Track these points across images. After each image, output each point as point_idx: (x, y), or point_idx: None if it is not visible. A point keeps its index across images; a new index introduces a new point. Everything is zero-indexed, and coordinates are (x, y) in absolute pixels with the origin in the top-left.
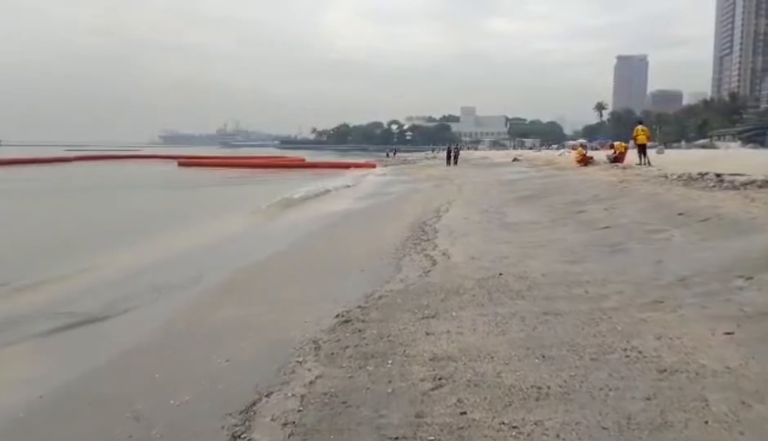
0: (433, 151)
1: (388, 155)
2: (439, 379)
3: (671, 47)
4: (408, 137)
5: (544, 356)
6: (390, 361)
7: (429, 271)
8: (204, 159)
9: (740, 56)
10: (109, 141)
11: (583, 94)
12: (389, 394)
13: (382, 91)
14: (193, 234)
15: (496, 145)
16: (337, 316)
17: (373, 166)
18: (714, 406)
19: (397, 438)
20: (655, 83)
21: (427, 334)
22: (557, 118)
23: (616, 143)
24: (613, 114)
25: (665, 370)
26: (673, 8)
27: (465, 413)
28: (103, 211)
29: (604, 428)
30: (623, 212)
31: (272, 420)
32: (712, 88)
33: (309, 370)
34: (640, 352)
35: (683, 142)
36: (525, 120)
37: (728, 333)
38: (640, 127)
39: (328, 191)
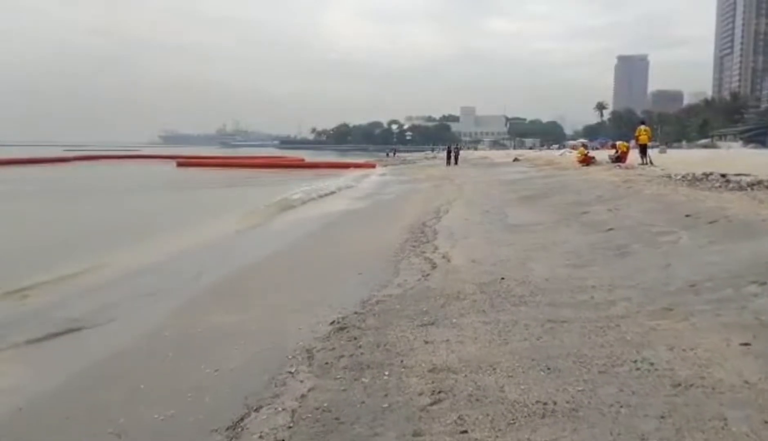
0: (432, 151)
1: (387, 155)
2: (439, 392)
3: (671, 47)
4: (408, 137)
5: (549, 368)
6: (387, 373)
7: (428, 275)
8: (203, 159)
9: (741, 56)
10: (108, 141)
11: (583, 94)
12: (385, 409)
13: (382, 91)
14: (187, 236)
15: (496, 145)
16: (332, 322)
17: (373, 166)
18: (734, 426)
19: None
20: (655, 83)
21: (426, 342)
22: (557, 118)
23: (618, 143)
24: (613, 114)
25: (679, 385)
26: (673, 8)
27: (466, 432)
28: (97, 213)
29: None
30: (628, 213)
31: (260, 438)
32: (713, 88)
33: (301, 381)
34: (651, 365)
35: (684, 142)
36: (525, 120)
37: (744, 344)
38: (642, 127)
39: (326, 192)
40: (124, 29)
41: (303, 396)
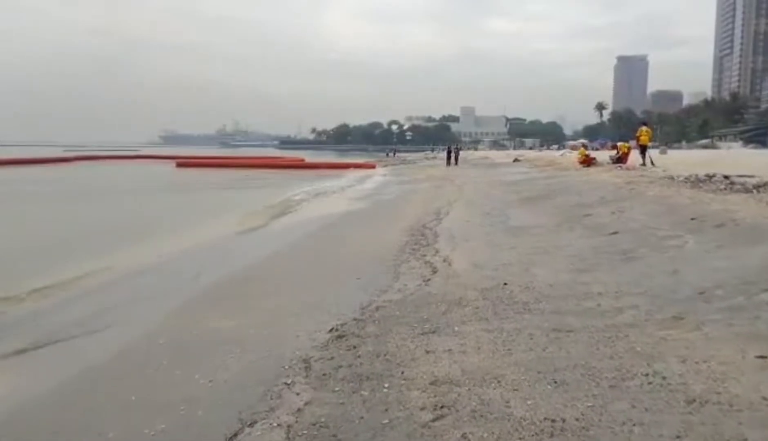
0: (432, 151)
1: (387, 155)
2: (441, 407)
3: (671, 47)
4: (408, 137)
5: (556, 382)
6: (387, 385)
7: (429, 280)
8: (202, 159)
9: (740, 56)
10: (108, 141)
11: (583, 94)
12: (385, 425)
13: (382, 91)
14: (186, 237)
15: (496, 145)
16: (331, 330)
17: (373, 167)
18: None
19: None
20: (655, 83)
21: (427, 352)
22: (557, 118)
23: (619, 143)
24: (613, 114)
25: (694, 401)
26: (673, 8)
27: None
28: (96, 214)
29: None
30: (632, 216)
31: None
32: (713, 88)
33: (298, 394)
34: (663, 378)
35: (684, 143)
36: (525, 120)
37: (761, 356)
38: (644, 128)
39: (326, 192)
40: (124, 29)
41: (299, 410)
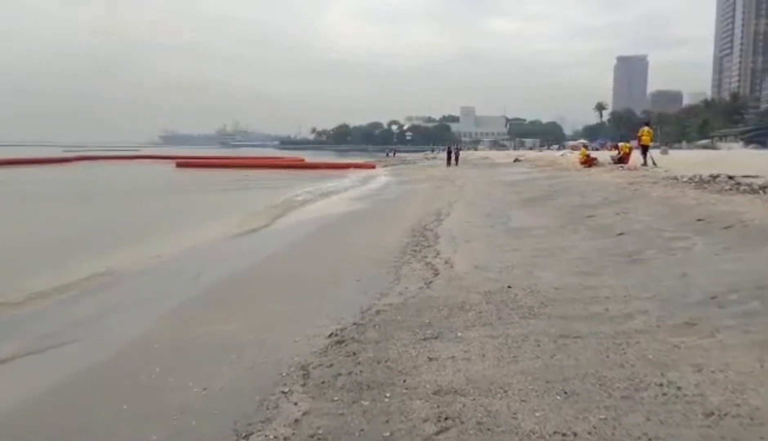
0: (432, 151)
1: (387, 155)
2: (445, 419)
3: (671, 47)
4: (408, 137)
5: (566, 392)
6: (388, 394)
7: (431, 283)
8: (202, 159)
9: (740, 56)
10: (108, 141)
11: (583, 94)
12: (386, 438)
13: (382, 91)
14: (186, 238)
15: (496, 145)
16: (330, 335)
17: (373, 167)
18: None
19: None
20: (655, 83)
21: (430, 359)
22: (557, 119)
23: (620, 144)
24: (613, 114)
25: (712, 414)
26: (673, 8)
27: None
28: (93, 216)
29: None
30: (637, 217)
31: None
32: (712, 88)
33: (295, 403)
34: (678, 389)
35: (684, 143)
36: (525, 120)
37: None
38: (645, 128)
39: (325, 193)
40: (124, 29)
41: (297, 421)
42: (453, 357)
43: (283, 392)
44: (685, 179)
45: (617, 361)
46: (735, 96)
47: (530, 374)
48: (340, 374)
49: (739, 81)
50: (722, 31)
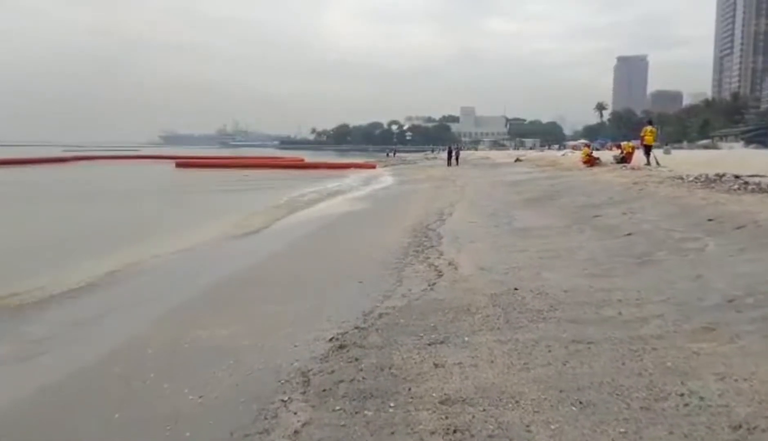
0: (432, 151)
1: (387, 155)
2: (454, 431)
3: (671, 47)
4: (408, 137)
5: (581, 402)
6: (392, 403)
7: (434, 284)
8: (202, 159)
9: (741, 56)
10: (108, 141)
11: (583, 94)
12: None
13: (382, 91)
14: (182, 239)
15: (496, 145)
16: (331, 339)
17: (373, 167)
18: None
19: None
20: (655, 83)
21: (436, 365)
22: (557, 119)
23: (623, 143)
24: (613, 114)
25: (740, 427)
26: (673, 8)
27: None
28: (93, 217)
29: None
30: (644, 217)
31: None
32: (713, 88)
33: (295, 413)
34: (701, 399)
35: (685, 143)
36: (525, 120)
37: None
38: (648, 127)
39: (325, 193)
40: (124, 29)
41: (296, 432)
42: (460, 363)
43: (282, 401)
44: (691, 178)
45: (634, 369)
46: (735, 96)
47: (542, 383)
48: (341, 381)
49: (739, 81)
50: (722, 31)
